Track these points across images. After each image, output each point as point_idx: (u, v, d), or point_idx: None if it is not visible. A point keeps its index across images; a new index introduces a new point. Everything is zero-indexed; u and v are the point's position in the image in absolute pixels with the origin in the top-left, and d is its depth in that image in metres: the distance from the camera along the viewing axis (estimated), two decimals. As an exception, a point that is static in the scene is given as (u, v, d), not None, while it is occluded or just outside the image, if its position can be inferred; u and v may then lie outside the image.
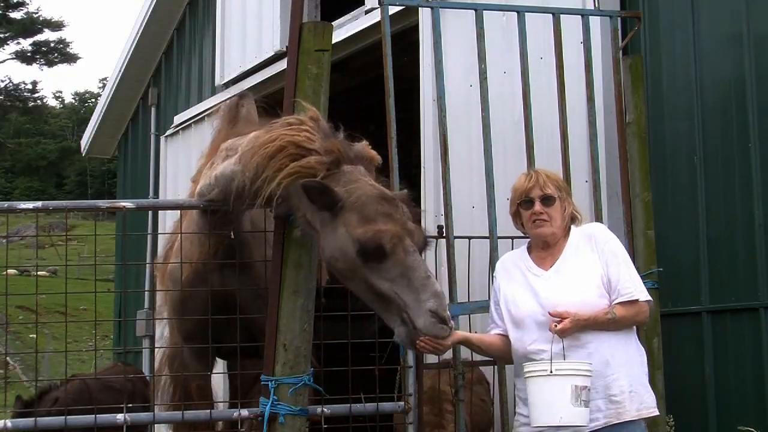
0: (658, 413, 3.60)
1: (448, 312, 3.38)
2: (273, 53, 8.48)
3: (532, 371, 3.33)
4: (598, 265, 3.52)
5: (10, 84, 44.30)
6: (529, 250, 3.72)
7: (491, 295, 3.82)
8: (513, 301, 3.61)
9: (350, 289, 3.69)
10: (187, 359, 4.75)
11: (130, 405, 4.65)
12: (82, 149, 13.31)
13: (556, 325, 3.35)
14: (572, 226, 3.67)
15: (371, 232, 3.39)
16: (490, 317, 3.78)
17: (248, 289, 4.30)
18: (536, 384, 3.31)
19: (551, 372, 3.26)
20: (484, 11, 4.91)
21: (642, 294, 3.51)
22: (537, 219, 3.59)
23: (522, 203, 3.64)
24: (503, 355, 3.74)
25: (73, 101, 62.92)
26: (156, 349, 6.38)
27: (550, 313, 3.38)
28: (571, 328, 3.36)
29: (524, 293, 3.59)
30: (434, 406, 4.97)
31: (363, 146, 3.83)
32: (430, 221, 6.34)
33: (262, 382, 3.87)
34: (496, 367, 4.72)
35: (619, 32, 5.12)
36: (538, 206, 3.58)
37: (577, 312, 3.38)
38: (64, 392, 6.62)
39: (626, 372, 3.45)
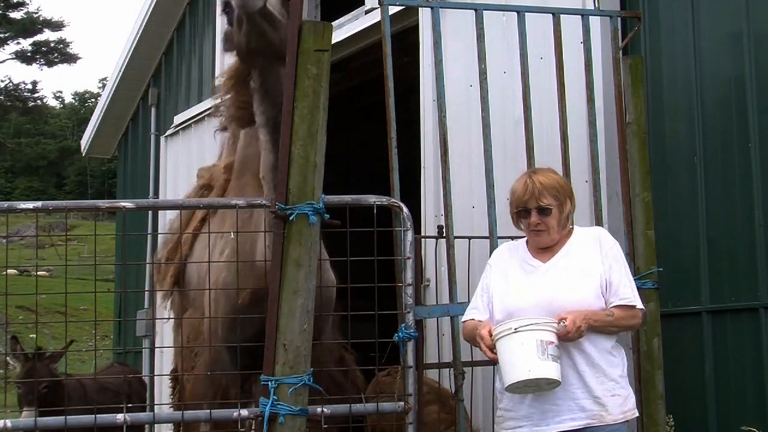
0: (638, 414, 3.63)
1: None
2: (273, 53, 8.46)
3: (498, 333, 3.38)
4: (600, 267, 3.54)
5: (10, 84, 44.41)
6: (528, 243, 3.73)
7: (481, 280, 3.80)
8: (506, 291, 3.61)
9: None
10: (229, 367, 4.73)
11: (130, 405, 4.65)
12: (82, 149, 13.31)
13: (568, 327, 3.34)
14: (575, 226, 3.69)
15: None
16: (474, 302, 3.75)
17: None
18: (503, 344, 3.36)
19: (515, 329, 3.32)
20: (484, 11, 4.91)
21: (638, 302, 3.57)
22: (534, 229, 3.62)
23: (519, 212, 3.65)
24: (471, 341, 3.78)
25: (73, 101, 63.04)
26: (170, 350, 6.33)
27: (560, 316, 3.37)
28: (582, 326, 3.37)
29: (519, 284, 3.59)
30: (444, 405, 4.96)
31: None
32: (430, 221, 6.35)
33: (262, 382, 3.87)
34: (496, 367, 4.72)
35: (619, 32, 5.12)
36: (534, 217, 3.60)
37: (581, 312, 3.40)
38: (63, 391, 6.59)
39: (609, 375, 3.48)
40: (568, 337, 3.36)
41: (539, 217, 3.59)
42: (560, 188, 3.67)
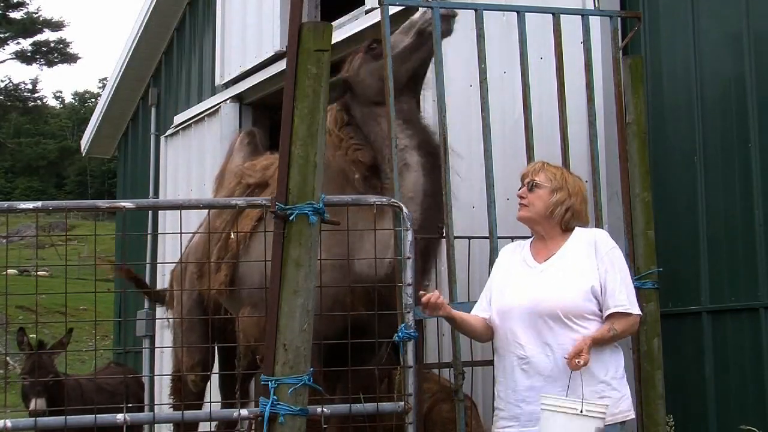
0: (633, 416, 3.62)
1: None
2: (273, 53, 8.48)
3: (560, 406, 3.26)
4: (594, 271, 3.52)
5: (10, 84, 44.31)
6: (531, 243, 3.76)
7: (489, 278, 3.84)
8: (501, 290, 3.64)
9: None
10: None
11: (130, 405, 4.65)
12: (82, 149, 13.31)
13: (576, 362, 3.34)
14: (576, 227, 3.69)
15: None
16: (480, 299, 3.78)
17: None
18: (561, 419, 3.23)
19: (582, 412, 3.20)
20: (484, 11, 4.91)
21: (635, 308, 3.54)
22: (519, 203, 3.69)
23: (520, 189, 3.75)
24: (477, 337, 3.82)
25: (73, 101, 63.02)
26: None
27: (567, 357, 3.37)
28: (588, 354, 3.37)
29: (517, 283, 3.61)
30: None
31: None
32: (430, 221, 6.34)
33: (262, 382, 3.87)
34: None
35: (619, 32, 5.12)
36: (522, 190, 3.69)
37: (585, 338, 3.40)
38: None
39: (598, 377, 3.46)
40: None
41: (526, 191, 3.67)
42: (561, 177, 3.71)
